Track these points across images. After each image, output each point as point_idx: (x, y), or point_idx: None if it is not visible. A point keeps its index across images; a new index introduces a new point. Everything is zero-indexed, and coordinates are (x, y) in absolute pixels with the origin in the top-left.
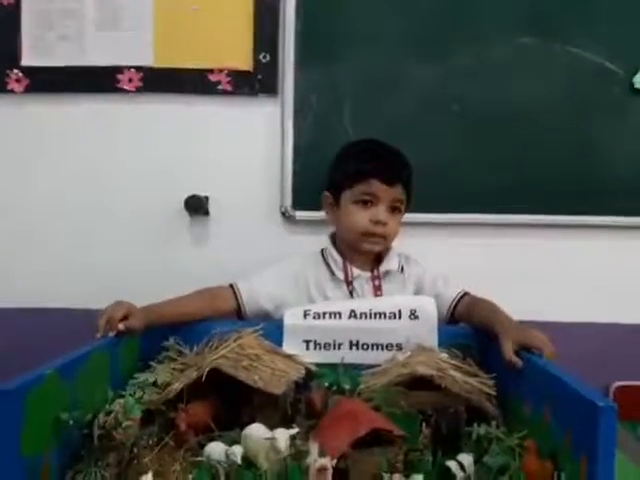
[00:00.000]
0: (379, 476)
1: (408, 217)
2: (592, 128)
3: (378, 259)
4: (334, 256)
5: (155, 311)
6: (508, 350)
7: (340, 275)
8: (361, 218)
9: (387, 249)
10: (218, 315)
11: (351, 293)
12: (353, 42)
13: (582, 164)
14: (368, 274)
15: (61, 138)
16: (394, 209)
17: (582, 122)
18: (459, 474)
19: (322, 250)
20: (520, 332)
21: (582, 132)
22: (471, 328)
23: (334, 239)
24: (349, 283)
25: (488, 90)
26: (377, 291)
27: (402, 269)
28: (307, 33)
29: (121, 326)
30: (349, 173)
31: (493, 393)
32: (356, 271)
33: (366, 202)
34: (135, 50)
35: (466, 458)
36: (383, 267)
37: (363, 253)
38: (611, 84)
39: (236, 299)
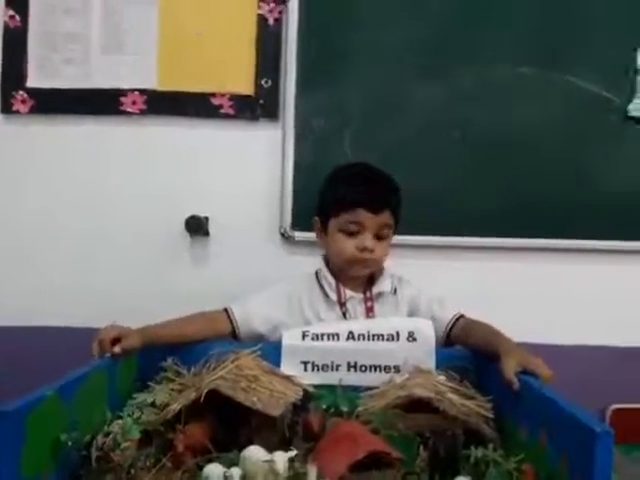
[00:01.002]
0: None
1: (405, 239)
2: (588, 154)
3: (371, 281)
4: (327, 278)
5: (153, 331)
6: (510, 369)
7: (333, 296)
8: (348, 246)
9: (380, 271)
10: (215, 337)
11: (344, 314)
12: (354, 67)
13: (578, 189)
14: (361, 295)
15: (65, 159)
16: (380, 236)
17: (578, 148)
18: None
19: (316, 272)
20: (524, 355)
21: (578, 158)
22: (468, 350)
23: (327, 261)
24: (342, 304)
25: (488, 116)
26: (369, 313)
27: (395, 291)
28: (309, 58)
29: (117, 349)
30: (335, 201)
31: (490, 416)
32: (349, 293)
33: (352, 231)
34: (139, 73)
35: None
36: (376, 289)
37: (353, 277)
38: (607, 112)
39: (230, 323)
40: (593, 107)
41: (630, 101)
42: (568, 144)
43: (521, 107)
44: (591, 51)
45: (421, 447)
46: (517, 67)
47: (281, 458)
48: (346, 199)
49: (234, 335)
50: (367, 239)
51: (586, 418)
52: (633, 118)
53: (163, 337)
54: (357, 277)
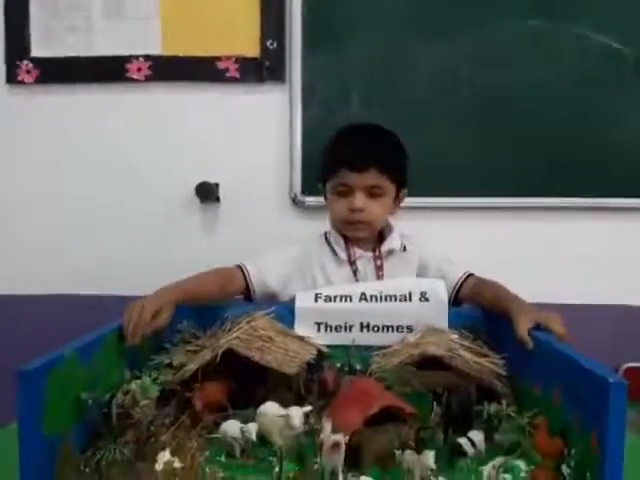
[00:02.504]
0: (391, 452)
1: (415, 201)
2: (601, 109)
3: (380, 239)
4: (336, 238)
5: (181, 293)
6: (523, 328)
7: (343, 256)
8: (340, 207)
9: (389, 229)
10: (231, 294)
11: (354, 273)
12: (360, 27)
13: (591, 146)
14: (370, 254)
15: (71, 128)
16: (372, 194)
17: (591, 103)
18: (470, 450)
19: (325, 233)
20: (536, 311)
21: (591, 113)
22: (479, 309)
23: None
24: (352, 263)
25: (495, 73)
26: (379, 271)
27: (404, 248)
28: (314, 19)
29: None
30: (325, 165)
31: (503, 373)
32: (358, 251)
33: (341, 191)
34: (143, 39)
35: (477, 435)
36: (385, 247)
37: (357, 238)
38: (619, 64)
39: (245, 280)
40: (604, 60)
41: None
42: (580, 99)
43: (529, 62)
44: (600, 2)
45: (434, 403)
46: (523, 20)
47: (297, 413)
48: (331, 161)
49: (247, 292)
50: (356, 199)
51: (600, 370)
52: None
53: (188, 295)
54: (360, 238)
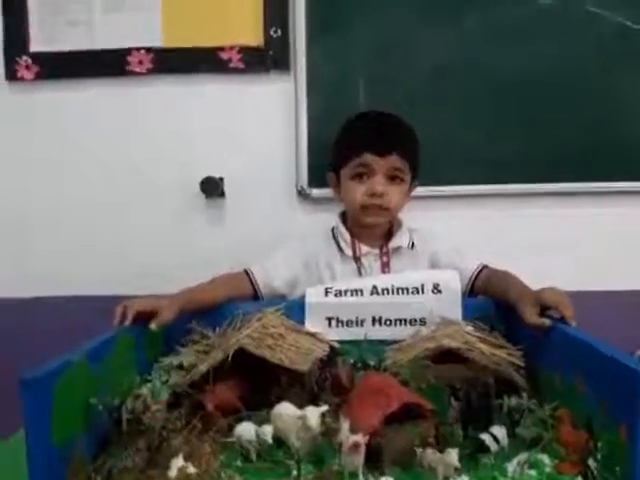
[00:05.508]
0: (412, 451)
1: (426, 190)
2: (615, 90)
3: (388, 236)
4: (343, 234)
5: (185, 302)
6: (530, 314)
7: (348, 252)
8: (358, 192)
9: (398, 225)
10: (238, 300)
11: (359, 269)
12: (365, 12)
13: (605, 129)
14: (377, 251)
15: (72, 124)
16: (393, 178)
17: (604, 84)
18: (493, 446)
19: (332, 228)
20: (535, 293)
21: (605, 95)
22: (493, 301)
23: (344, 217)
24: (357, 259)
25: (506, 55)
26: (385, 268)
27: (413, 245)
28: (318, 5)
29: (153, 326)
30: (344, 149)
31: (521, 364)
32: (365, 248)
33: (361, 175)
34: (144, 31)
35: (499, 430)
36: (392, 243)
37: (369, 228)
38: (633, 45)
39: (252, 284)
40: (618, 40)
41: None
42: (592, 80)
43: (540, 44)
44: None
45: (452, 398)
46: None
47: (313, 414)
48: (353, 145)
49: (255, 297)
50: (376, 183)
51: (626, 359)
52: None
53: (194, 303)
54: (373, 229)
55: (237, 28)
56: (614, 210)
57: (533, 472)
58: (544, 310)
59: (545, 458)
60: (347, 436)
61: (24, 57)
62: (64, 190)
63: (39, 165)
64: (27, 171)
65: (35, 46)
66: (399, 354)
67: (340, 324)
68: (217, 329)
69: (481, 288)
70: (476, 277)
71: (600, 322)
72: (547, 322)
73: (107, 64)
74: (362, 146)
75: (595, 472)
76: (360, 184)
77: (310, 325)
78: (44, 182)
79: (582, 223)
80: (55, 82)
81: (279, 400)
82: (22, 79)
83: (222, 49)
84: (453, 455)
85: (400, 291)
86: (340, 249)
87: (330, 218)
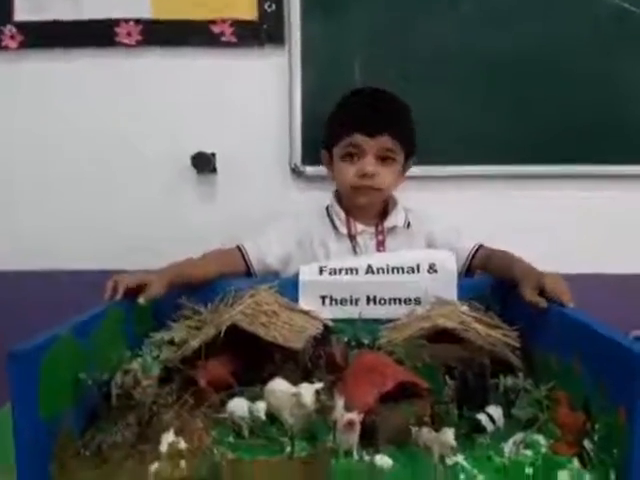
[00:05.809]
0: (407, 430)
1: (422, 170)
2: (612, 72)
3: (383, 214)
4: (337, 211)
5: (174, 276)
6: (529, 291)
7: (343, 230)
8: (349, 173)
9: (393, 204)
10: (230, 276)
11: (354, 248)
12: None
13: (601, 111)
14: (372, 229)
15: (59, 95)
16: (384, 159)
17: (602, 66)
18: (489, 426)
19: (327, 206)
20: (539, 275)
21: (602, 77)
22: (489, 281)
23: (339, 196)
24: (352, 238)
25: (502, 38)
26: (380, 246)
27: (408, 225)
28: None
29: (141, 300)
30: (335, 128)
31: (517, 345)
32: (360, 226)
33: (352, 155)
34: (132, 2)
35: (495, 410)
36: (388, 223)
37: (363, 207)
38: (630, 27)
39: (244, 260)
40: (614, 22)
41: None
42: (589, 63)
43: (535, 25)
44: None
45: (447, 377)
46: None
47: (308, 390)
48: (344, 124)
49: (248, 273)
50: (367, 164)
51: (624, 340)
52: None
53: (183, 277)
54: (367, 209)
55: (230, 1)
56: (607, 193)
57: (529, 452)
58: (543, 292)
59: (541, 439)
60: (342, 414)
61: (8, 26)
62: (50, 163)
63: (23, 136)
64: (10, 143)
65: (20, 15)
66: (394, 333)
67: (334, 302)
68: (209, 305)
69: (478, 267)
70: (473, 256)
71: (591, 305)
72: (543, 303)
73: (94, 35)
74: (353, 126)
75: (591, 453)
76: (351, 165)
77: (304, 303)
78: (29, 154)
79: (575, 205)
80: (41, 52)
81: (272, 377)
82: (6, 48)
83: (214, 22)
84: (449, 434)
85: (395, 270)
86: (335, 227)
87: (324, 196)
